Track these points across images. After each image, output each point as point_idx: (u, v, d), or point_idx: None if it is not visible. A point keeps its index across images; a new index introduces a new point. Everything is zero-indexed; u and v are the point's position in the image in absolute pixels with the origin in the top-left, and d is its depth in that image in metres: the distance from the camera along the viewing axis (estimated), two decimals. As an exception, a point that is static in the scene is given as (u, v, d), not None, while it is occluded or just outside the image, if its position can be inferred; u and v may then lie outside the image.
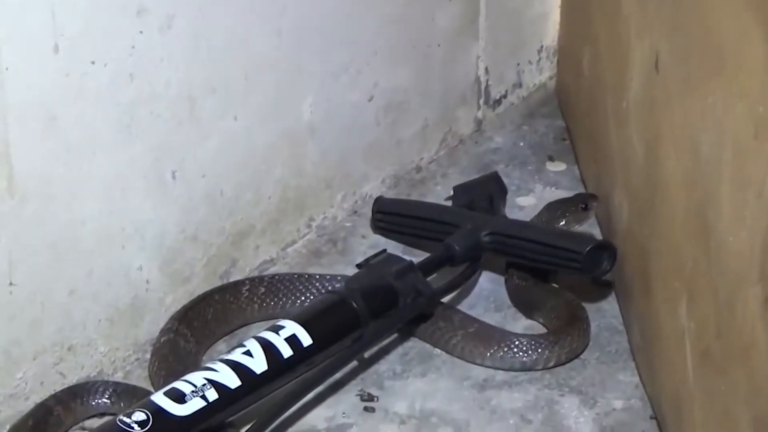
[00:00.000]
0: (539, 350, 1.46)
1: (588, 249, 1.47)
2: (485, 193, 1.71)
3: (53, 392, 1.37)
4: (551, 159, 1.92)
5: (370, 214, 1.73)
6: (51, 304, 1.37)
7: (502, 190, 1.72)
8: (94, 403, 1.38)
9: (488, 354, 1.47)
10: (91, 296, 1.41)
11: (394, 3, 1.79)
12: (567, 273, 1.57)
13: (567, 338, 1.47)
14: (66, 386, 1.38)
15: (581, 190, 1.82)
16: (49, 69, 1.28)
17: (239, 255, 1.61)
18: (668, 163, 1.30)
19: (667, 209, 1.31)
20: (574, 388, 1.42)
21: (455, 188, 1.75)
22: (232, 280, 1.60)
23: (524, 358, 1.46)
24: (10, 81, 1.24)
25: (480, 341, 1.48)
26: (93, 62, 1.32)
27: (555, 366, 1.46)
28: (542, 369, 1.47)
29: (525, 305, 1.59)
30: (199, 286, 1.55)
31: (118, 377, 1.44)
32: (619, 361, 1.47)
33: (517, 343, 1.47)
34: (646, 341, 1.41)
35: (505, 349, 1.47)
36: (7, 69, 1.23)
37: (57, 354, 1.39)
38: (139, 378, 1.45)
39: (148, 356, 1.46)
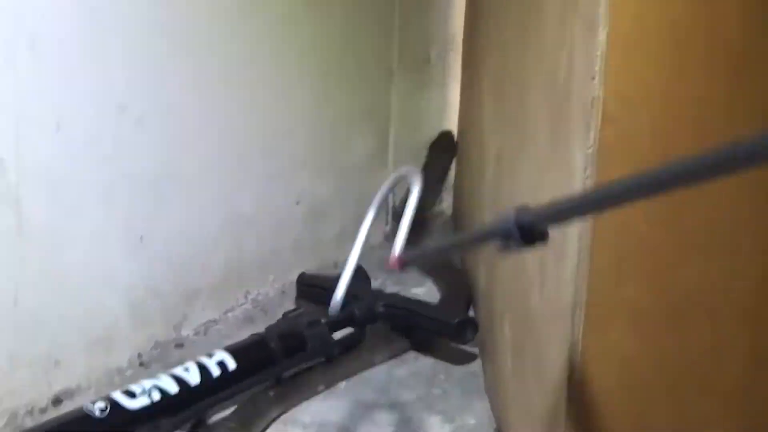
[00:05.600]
0: None
1: (456, 321, 1.92)
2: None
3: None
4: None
5: (295, 293, 2.16)
6: (45, 323, 1.67)
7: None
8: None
9: None
10: (75, 323, 1.72)
11: (319, 128, 2.18)
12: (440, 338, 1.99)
13: None
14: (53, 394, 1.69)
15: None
16: (52, 145, 1.60)
17: (190, 312, 1.97)
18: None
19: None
20: (440, 411, 1.80)
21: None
22: (183, 332, 1.95)
23: None
24: (26, 153, 1.57)
25: None
26: (84, 143, 1.66)
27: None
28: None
29: None
30: (158, 332, 1.89)
31: (92, 393, 1.75)
32: (476, 394, 1.86)
33: None
34: (494, 379, 1.79)
35: None
36: (19, 144, 1.54)
37: (46, 365, 1.69)
38: (106, 396, 1.75)
39: (115, 380, 1.79)
